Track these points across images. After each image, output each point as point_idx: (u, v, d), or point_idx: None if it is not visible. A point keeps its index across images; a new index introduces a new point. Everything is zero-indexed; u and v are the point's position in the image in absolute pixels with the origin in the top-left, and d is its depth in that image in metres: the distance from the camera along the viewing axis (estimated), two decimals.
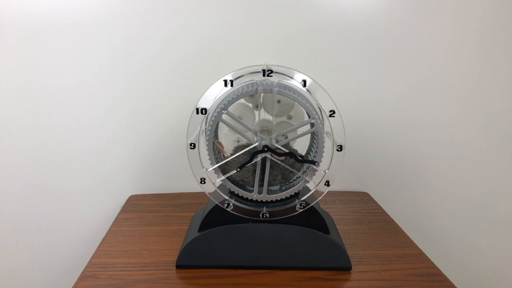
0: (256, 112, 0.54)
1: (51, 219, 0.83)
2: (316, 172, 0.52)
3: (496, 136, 0.84)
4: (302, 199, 0.53)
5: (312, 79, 0.52)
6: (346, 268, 0.55)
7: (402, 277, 0.54)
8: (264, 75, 0.51)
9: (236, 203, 0.54)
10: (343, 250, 0.55)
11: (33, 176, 0.81)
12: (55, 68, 0.76)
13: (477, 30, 0.78)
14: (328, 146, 0.51)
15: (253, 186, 0.53)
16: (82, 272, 0.55)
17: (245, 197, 0.53)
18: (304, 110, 0.50)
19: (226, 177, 0.52)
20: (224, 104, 0.49)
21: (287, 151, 0.50)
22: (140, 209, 0.76)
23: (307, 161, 0.52)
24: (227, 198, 0.54)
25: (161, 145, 0.82)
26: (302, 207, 0.53)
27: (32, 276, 0.86)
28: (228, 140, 0.55)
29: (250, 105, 0.54)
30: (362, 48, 0.79)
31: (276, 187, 0.55)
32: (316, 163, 0.51)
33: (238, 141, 0.55)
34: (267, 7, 0.76)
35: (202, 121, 0.52)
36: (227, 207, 0.53)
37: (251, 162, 0.50)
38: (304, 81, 0.52)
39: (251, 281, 0.53)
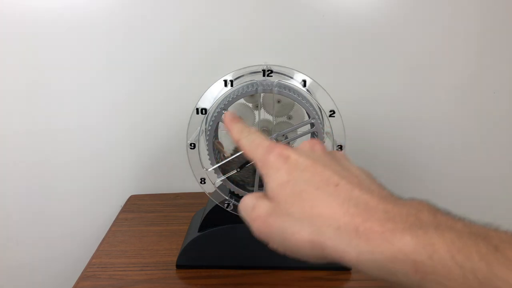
0: (256, 112, 0.54)
1: (51, 219, 0.83)
2: None
3: (497, 136, 0.84)
4: None
5: (312, 79, 0.52)
6: (346, 268, 0.55)
7: None
8: (264, 75, 0.51)
9: (236, 203, 0.54)
10: None
11: (33, 176, 0.81)
12: (56, 68, 0.76)
13: (478, 29, 0.78)
14: (328, 146, 0.51)
15: (253, 186, 0.53)
16: (82, 272, 0.55)
17: None
18: (304, 110, 0.50)
19: (226, 177, 0.52)
20: (224, 104, 0.49)
21: None
22: (140, 209, 0.76)
23: None
24: (227, 198, 0.54)
25: (161, 145, 0.82)
26: None
27: (32, 276, 0.86)
28: (228, 140, 0.55)
29: (250, 105, 0.54)
30: (362, 48, 0.78)
31: None
32: None
33: None
34: (267, 7, 0.76)
35: (202, 121, 0.52)
36: (227, 207, 0.53)
37: (251, 162, 0.50)
38: (304, 81, 0.52)
39: (251, 281, 0.53)
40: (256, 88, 0.49)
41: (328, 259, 0.25)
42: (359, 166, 0.30)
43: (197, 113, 0.51)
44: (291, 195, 0.27)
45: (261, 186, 0.52)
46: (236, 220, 0.54)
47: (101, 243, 0.63)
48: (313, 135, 0.53)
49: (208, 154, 0.51)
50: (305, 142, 0.32)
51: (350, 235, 0.24)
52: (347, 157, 0.31)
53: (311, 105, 0.50)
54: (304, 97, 0.50)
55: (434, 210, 0.25)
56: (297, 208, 0.26)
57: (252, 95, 0.51)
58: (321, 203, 0.26)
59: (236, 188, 0.53)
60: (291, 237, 0.26)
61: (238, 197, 0.54)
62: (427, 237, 0.22)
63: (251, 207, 0.29)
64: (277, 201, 0.27)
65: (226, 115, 0.36)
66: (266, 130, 0.54)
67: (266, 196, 0.29)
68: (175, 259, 0.56)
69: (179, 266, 0.55)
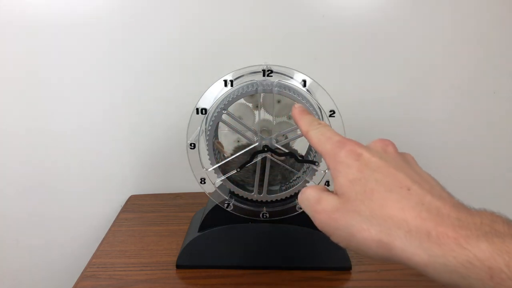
0: (256, 112, 0.54)
1: (52, 219, 0.83)
2: (316, 172, 0.52)
3: (497, 136, 0.84)
4: None
5: (312, 79, 0.52)
6: (346, 268, 0.55)
7: (402, 277, 0.54)
8: (264, 75, 0.51)
9: (236, 203, 0.54)
10: (343, 250, 0.55)
11: (33, 176, 0.81)
12: (56, 68, 0.76)
13: (477, 29, 0.78)
14: None
15: (253, 186, 0.53)
16: (82, 272, 0.55)
17: (245, 197, 0.53)
18: None
19: (226, 177, 0.52)
20: (224, 104, 0.49)
21: (287, 151, 0.50)
22: (140, 209, 0.76)
23: (307, 161, 0.52)
24: (227, 198, 0.54)
25: (161, 145, 0.82)
26: None
27: (32, 276, 0.86)
28: (228, 140, 0.55)
29: (250, 105, 0.54)
30: (362, 47, 0.79)
31: (276, 187, 0.55)
32: (316, 163, 0.51)
33: (238, 141, 0.55)
34: (267, 7, 0.76)
35: (202, 121, 0.52)
36: (227, 207, 0.53)
37: (251, 162, 0.50)
38: (304, 81, 0.52)
39: (251, 281, 0.53)
40: (256, 88, 0.49)
41: (393, 260, 0.26)
42: (428, 173, 0.30)
43: (197, 113, 0.51)
44: (361, 193, 0.27)
45: (261, 186, 0.52)
46: (236, 220, 0.54)
47: (101, 243, 0.63)
48: None
49: (208, 154, 0.51)
50: (377, 141, 0.32)
51: (421, 238, 0.24)
52: (416, 161, 0.32)
53: (311, 105, 0.50)
54: (304, 97, 0.50)
55: (509, 221, 0.25)
56: (366, 206, 0.26)
57: (252, 95, 0.51)
58: (392, 204, 0.26)
59: (236, 188, 0.53)
60: (358, 234, 0.26)
61: (238, 197, 0.54)
62: (504, 245, 0.22)
63: (315, 199, 0.29)
64: (346, 197, 0.28)
65: (296, 108, 0.36)
66: (266, 130, 0.54)
67: (329, 191, 0.30)
68: (175, 259, 0.56)
69: (179, 266, 0.55)
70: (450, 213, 0.25)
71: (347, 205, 0.27)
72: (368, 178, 0.27)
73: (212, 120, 0.50)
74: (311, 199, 0.30)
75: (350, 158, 0.29)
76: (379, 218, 0.26)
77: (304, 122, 0.35)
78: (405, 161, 0.30)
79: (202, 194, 0.55)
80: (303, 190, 0.31)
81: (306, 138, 0.34)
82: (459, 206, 0.26)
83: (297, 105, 0.37)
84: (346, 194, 0.28)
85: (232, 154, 0.53)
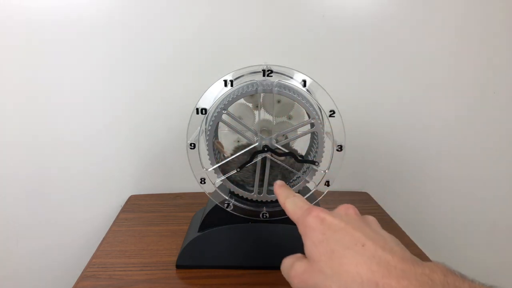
0: (256, 112, 0.54)
1: (51, 219, 0.83)
2: (316, 172, 0.52)
3: (496, 136, 0.84)
4: None
5: (312, 79, 0.52)
6: None
7: None
8: (264, 75, 0.51)
9: (236, 203, 0.54)
10: None
11: (33, 177, 0.81)
12: (55, 68, 0.76)
13: (477, 29, 0.78)
14: (328, 146, 0.51)
15: (253, 186, 0.53)
16: (82, 272, 0.55)
17: (245, 197, 0.53)
18: (304, 110, 0.50)
19: (226, 177, 0.52)
20: (224, 104, 0.49)
21: (287, 151, 0.50)
22: (140, 209, 0.76)
23: (307, 161, 0.52)
24: (227, 198, 0.54)
25: (161, 145, 0.82)
26: None
27: (33, 276, 0.86)
28: (228, 140, 0.55)
29: (250, 105, 0.54)
30: (362, 48, 0.79)
31: None
32: (316, 163, 0.51)
33: (238, 141, 0.55)
34: (267, 7, 0.76)
35: (202, 121, 0.52)
36: (227, 207, 0.53)
37: (251, 162, 0.50)
38: (304, 81, 0.52)
39: (251, 281, 0.53)
40: (256, 88, 0.49)
41: None
42: (387, 232, 0.34)
43: (197, 113, 0.51)
44: (324, 254, 0.31)
45: (261, 186, 0.52)
46: (236, 220, 0.54)
47: (101, 243, 0.63)
48: (313, 135, 0.53)
49: (208, 154, 0.51)
50: (340, 207, 0.36)
51: None
52: (377, 222, 0.36)
53: (311, 105, 0.50)
54: (304, 97, 0.49)
55: (447, 271, 0.28)
56: (328, 265, 0.31)
57: (252, 95, 0.51)
58: (348, 260, 0.30)
59: (236, 188, 0.53)
60: None
61: (238, 197, 0.54)
62: None
63: (289, 266, 0.34)
64: (312, 259, 0.32)
65: (277, 183, 0.43)
66: (266, 130, 0.54)
67: (304, 256, 0.34)
68: (175, 259, 0.56)
69: (179, 266, 0.55)
70: (397, 265, 0.29)
71: (314, 266, 0.32)
72: (329, 239, 0.32)
73: (212, 120, 0.50)
74: (287, 266, 0.35)
75: (315, 222, 0.33)
76: (338, 274, 0.30)
77: (282, 195, 0.41)
78: (364, 222, 0.34)
79: (202, 194, 0.55)
80: (283, 260, 0.36)
81: (284, 209, 0.39)
82: (407, 259, 0.30)
83: (278, 181, 0.44)
84: (312, 256, 0.32)
85: (232, 154, 0.53)
